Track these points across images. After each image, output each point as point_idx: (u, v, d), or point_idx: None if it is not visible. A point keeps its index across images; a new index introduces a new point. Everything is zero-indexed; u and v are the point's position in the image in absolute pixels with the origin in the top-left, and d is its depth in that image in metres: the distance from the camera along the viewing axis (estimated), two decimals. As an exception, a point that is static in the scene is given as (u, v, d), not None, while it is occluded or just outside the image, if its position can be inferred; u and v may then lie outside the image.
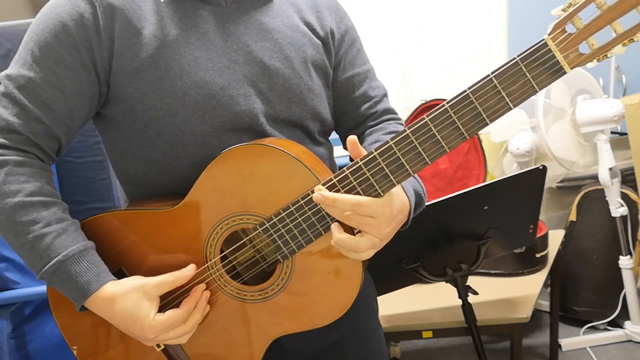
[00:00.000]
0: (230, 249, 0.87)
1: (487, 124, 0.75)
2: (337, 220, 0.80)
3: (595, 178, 2.35)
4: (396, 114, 1.05)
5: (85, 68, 0.84)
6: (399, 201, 0.83)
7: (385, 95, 1.05)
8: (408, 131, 0.76)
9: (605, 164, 2.20)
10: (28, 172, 0.83)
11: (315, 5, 0.99)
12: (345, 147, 1.08)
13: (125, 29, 0.84)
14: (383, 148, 0.77)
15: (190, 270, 0.85)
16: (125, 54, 0.84)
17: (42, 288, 1.59)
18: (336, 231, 0.79)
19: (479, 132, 0.93)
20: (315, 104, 0.94)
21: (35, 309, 1.68)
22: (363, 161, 0.78)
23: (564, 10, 0.71)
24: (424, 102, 2.39)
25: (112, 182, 1.77)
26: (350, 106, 1.01)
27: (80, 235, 0.85)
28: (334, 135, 1.05)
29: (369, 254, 0.81)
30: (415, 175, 0.89)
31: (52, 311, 0.93)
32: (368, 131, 1.01)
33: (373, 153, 0.78)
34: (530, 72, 0.72)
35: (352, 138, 0.79)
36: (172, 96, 0.85)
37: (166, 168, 0.89)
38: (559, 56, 0.71)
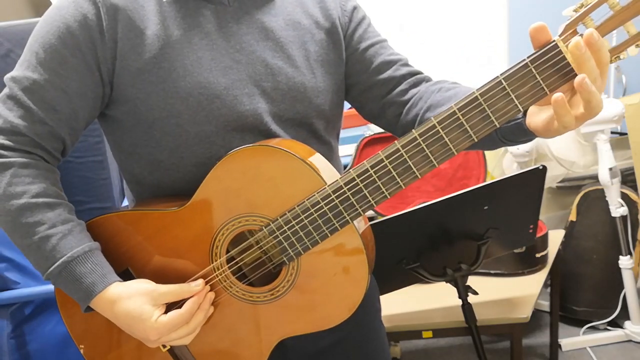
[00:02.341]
0: (237, 249, 0.87)
1: (496, 127, 0.73)
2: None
3: (595, 178, 2.35)
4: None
5: (89, 69, 0.84)
6: None
7: (408, 61, 1.01)
8: (415, 134, 0.75)
9: (605, 164, 2.20)
10: (33, 173, 0.83)
11: None
12: (383, 124, 1.00)
13: (128, 30, 0.84)
14: (390, 151, 0.77)
15: (198, 285, 0.85)
16: (129, 55, 0.84)
17: (42, 288, 1.59)
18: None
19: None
20: (320, 102, 0.94)
21: (35, 309, 1.68)
22: (370, 164, 0.78)
23: (575, 10, 0.69)
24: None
25: (112, 182, 1.77)
26: (376, 76, 0.98)
27: (85, 236, 0.85)
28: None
29: (595, 106, 0.68)
30: None
31: (60, 309, 0.93)
32: (423, 88, 0.95)
33: (380, 156, 0.77)
34: (540, 74, 0.70)
35: (538, 24, 0.70)
36: (175, 97, 0.85)
37: (171, 168, 0.89)
38: (570, 58, 0.68)
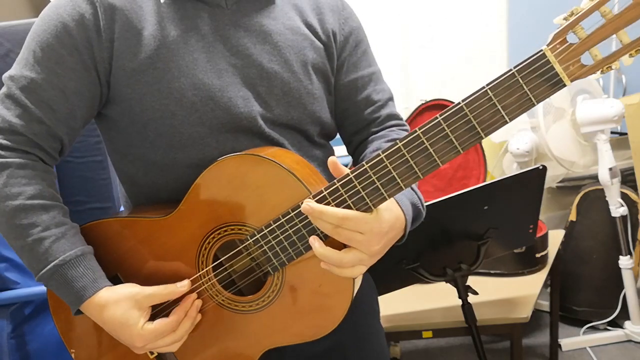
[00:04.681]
0: (226, 256, 0.86)
1: (482, 138, 0.72)
2: (323, 236, 0.78)
3: (595, 178, 2.35)
4: (401, 119, 1.03)
5: (86, 68, 0.84)
6: (390, 217, 0.80)
7: (391, 99, 1.03)
8: (400, 144, 0.74)
9: (605, 164, 2.20)
10: (29, 174, 0.83)
11: (318, 7, 0.98)
12: (348, 151, 1.07)
13: (125, 30, 0.84)
14: (374, 161, 0.75)
15: (184, 285, 0.85)
16: (125, 55, 0.84)
17: (42, 288, 1.59)
18: (317, 244, 0.77)
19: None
20: (315, 108, 0.94)
21: (35, 309, 1.68)
22: (354, 174, 0.76)
23: (565, 19, 0.67)
24: (423, 102, 2.39)
25: (112, 182, 1.77)
26: (353, 110, 1.00)
27: (79, 240, 0.85)
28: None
29: (357, 270, 0.78)
30: (414, 185, 0.86)
31: (52, 314, 0.93)
32: (371, 137, 0.99)
33: (364, 166, 0.75)
34: (527, 85, 0.68)
35: (332, 159, 0.77)
36: (169, 97, 0.85)
37: (165, 169, 0.89)
38: (558, 68, 0.67)
